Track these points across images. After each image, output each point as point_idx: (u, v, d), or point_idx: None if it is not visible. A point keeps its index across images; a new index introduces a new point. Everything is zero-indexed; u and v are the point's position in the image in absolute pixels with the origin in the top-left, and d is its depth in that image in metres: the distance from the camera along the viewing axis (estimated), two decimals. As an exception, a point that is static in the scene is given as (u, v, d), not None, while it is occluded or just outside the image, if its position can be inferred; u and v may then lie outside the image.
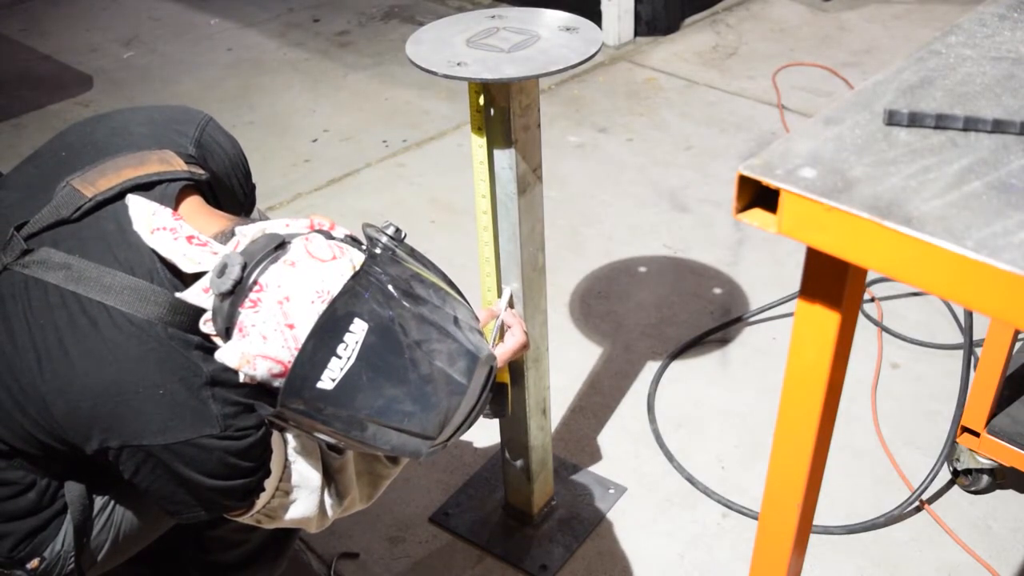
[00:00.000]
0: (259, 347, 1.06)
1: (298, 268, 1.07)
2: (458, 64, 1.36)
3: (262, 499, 1.26)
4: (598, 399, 2.23)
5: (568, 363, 2.33)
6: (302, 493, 1.33)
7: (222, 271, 1.07)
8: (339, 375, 1.05)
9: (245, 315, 1.06)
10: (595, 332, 2.44)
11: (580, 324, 2.47)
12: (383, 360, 1.08)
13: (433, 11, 4.41)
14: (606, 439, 2.12)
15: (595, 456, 2.08)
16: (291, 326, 1.05)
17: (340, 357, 1.05)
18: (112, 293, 1.13)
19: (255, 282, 1.06)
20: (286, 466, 1.31)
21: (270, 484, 1.26)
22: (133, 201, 1.15)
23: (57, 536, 1.29)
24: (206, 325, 1.12)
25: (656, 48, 4.06)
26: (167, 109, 1.37)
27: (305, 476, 1.33)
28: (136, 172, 1.20)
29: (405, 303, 1.10)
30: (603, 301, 2.56)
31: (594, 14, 4.03)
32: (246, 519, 1.29)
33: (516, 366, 1.69)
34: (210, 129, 1.35)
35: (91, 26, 4.53)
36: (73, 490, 1.30)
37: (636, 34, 4.14)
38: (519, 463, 1.83)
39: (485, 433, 2.11)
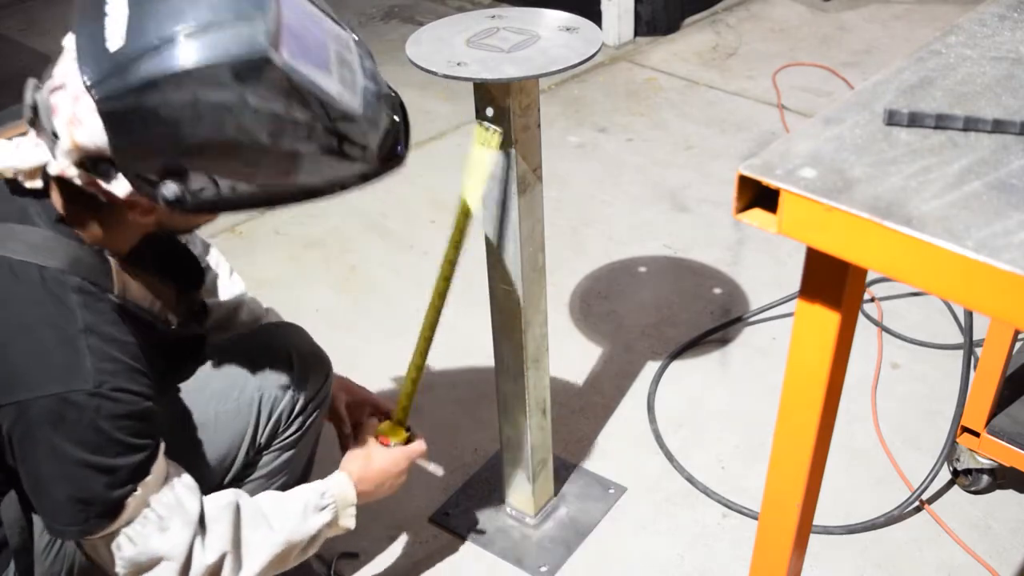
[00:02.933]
0: (68, 96, 1.03)
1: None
2: (458, 64, 1.36)
3: (131, 507, 1.17)
4: (598, 399, 2.23)
5: (568, 363, 2.33)
6: (176, 522, 1.22)
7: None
8: (123, 27, 0.99)
9: (51, 98, 1.05)
10: (595, 332, 2.44)
11: (580, 324, 2.47)
12: None
13: (433, 11, 4.41)
14: (606, 439, 2.12)
15: (595, 456, 2.08)
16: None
17: (109, 13, 1.00)
18: None
19: (49, 76, 1.06)
20: (166, 483, 1.22)
21: (144, 494, 1.18)
22: None
23: (8, 568, 1.25)
24: (54, 167, 1.09)
25: (656, 48, 4.06)
26: None
27: (184, 503, 1.23)
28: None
29: None
30: (603, 301, 2.56)
31: (594, 14, 4.03)
32: (111, 543, 1.19)
33: (513, 368, 1.69)
34: None
35: (91, 26, 4.53)
36: (9, 511, 1.24)
37: (636, 34, 4.14)
38: (519, 463, 1.83)
39: (485, 434, 2.11)
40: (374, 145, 1.14)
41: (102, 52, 0.99)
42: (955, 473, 1.93)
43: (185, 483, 1.25)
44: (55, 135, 1.05)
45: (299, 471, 1.59)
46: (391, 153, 1.18)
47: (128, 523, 1.19)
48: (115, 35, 0.99)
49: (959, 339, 2.33)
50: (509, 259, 1.57)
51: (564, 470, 2.03)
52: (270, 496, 1.37)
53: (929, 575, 1.79)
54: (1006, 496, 1.93)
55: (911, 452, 2.04)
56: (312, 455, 1.65)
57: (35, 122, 1.07)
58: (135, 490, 1.17)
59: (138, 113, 1.00)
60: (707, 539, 1.88)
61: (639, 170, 3.15)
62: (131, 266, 1.22)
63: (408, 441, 1.55)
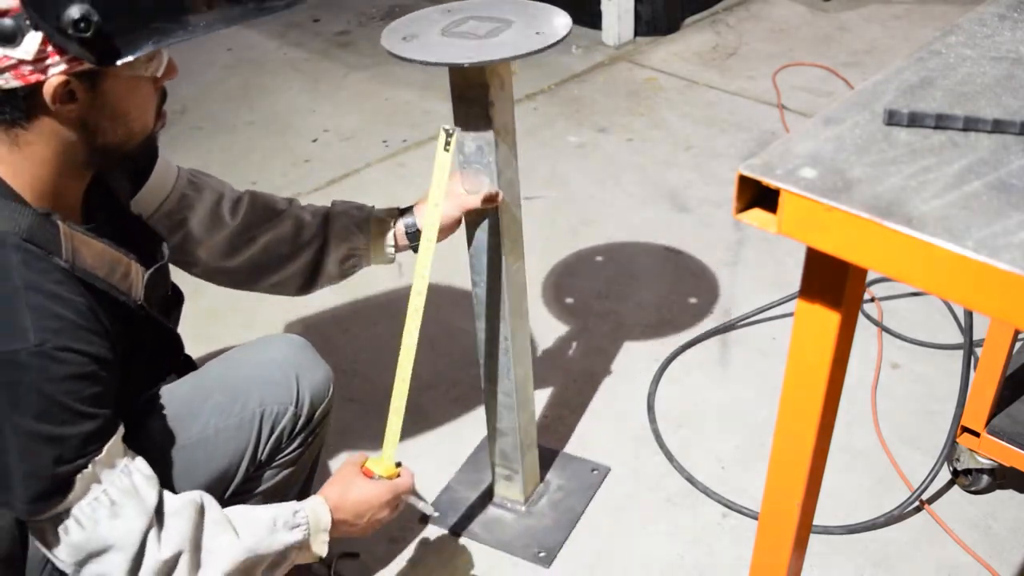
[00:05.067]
0: None
1: None
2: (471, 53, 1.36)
3: (80, 485, 1.11)
4: (598, 399, 2.23)
5: (568, 363, 2.33)
6: (130, 509, 1.15)
7: None
8: None
9: None
10: (595, 332, 2.44)
11: (580, 324, 2.47)
12: None
13: (433, 11, 4.41)
14: (606, 439, 2.12)
15: (594, 456, 2.08)
16: None
17: None
18: None
19: None
20: (122, 468, 1.17)
21: (96, 472, 1.12)
22: None
23: None
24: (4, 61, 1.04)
25: (656, 48, 4.06)
26: None
27: (140, 491, 1.17)
28: None
29: None
30: (603, 301, 2.55)
31: (594, 14, 4.04)
32: (59, 526, 1.13)
33: (496, 355, 1.69)
34: None
35: (91, 26, 4.53)
36: (1, 518, 1.20)
37: (636, 34, 4.14)
38: (508, 455, 1.84)
39: (483, 432, 2.11)
40: None
41: None
42: (955, 473, 1.93)
43: (142, 471, 1.18)
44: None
45: (297, 489, 1.56)
46: None
47: (76, 503, 1.12)
48: None
49: (959, 339, 2.33)
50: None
51: (563, 469, 2.03)
52: (239, 507, 1.31)
53: (929, 575, 1.79)
54: (1006, 496, 1.93)
55: (911, 452, 2.04)
56: (312, 473, 1.62)
57: None
58: (85, 466, 1.10)
59: None
60: (707, 539, 1.88)
61: (639, 170, 3.15)
62: (85, 234, 1.17)
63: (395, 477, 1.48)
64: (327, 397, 1.51)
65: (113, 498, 1.14)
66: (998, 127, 0.78)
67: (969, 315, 1.81)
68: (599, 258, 2.73)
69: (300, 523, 1.33)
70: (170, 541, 1.18)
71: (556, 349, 2.37)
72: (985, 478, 1.90)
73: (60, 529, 1.13)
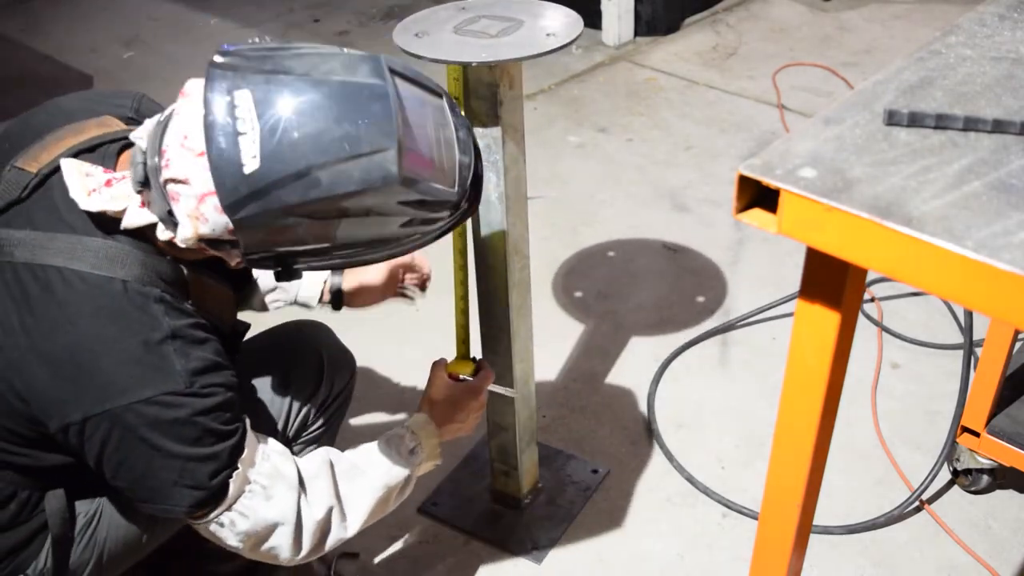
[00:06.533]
0: (191, 193, 1.05)
1: (181, 111, 1.08)
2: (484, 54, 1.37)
3: (235, 485, 1.22)
4: (598, 399, 2.23)
5: (568, 363, 2.33)
6: (279, 488, 1.27)
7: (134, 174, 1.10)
8: (257, 148, 1.01)
9: (169, 186, 1.07)
10: (595, 332, 2.44)
11: (580, 324, 2.47)
12: (284, 106, 1.03)
13: (433, 11, 4.41)
14: (606, 439, 2.12)
15: (594, 456, 2.08)
16: (200, 154, 1.04)
17: (245, 133, 1.01)
18: (62, 255, 1.12)
19: (159, 153, 1.07)
20: (260, 455, 1.27)
21: (244, 470, 1.23)
22: (66, 165, 1.14)
23: (40, 553, 1.28)
24: (164, 233, 1.12)
25: (656, 48, 4.06)
26: (99, 91, 1.37)
27: (281, 470, 1.28)
28: (77, 139, 1.20)
29: (271, 52, 1.07)
30: (603, 301, 2.55)
31: (594, 14, 4.04)
32: (223, 519, 1.24)
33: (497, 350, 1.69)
34: (146, 100, 1.35)
35: (91, 26, 4.53)
36: (53, 501, 1.28)
37: (636, 34, 4.14)
38: (507, 450, 1.85)
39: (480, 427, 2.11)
40: (457, 202, 1.20)
41: (238, 173, 1.02)
42: (955, 473, 1.93)
43: (276, 450, 1.29)
44: (172, 214, 1.10)
45: None
46: (469, 204, 1.23)
47: (236, 500, 1.23)
48: (250, 156, 1.02)
49: (959, 339, 2.33)
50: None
51: (562, 466, 2.03)
52: (356, 450, 1.42)
53: (929, 575, 1.79)
54: (1006, 496, 1.93)
55: (911, 452, 2.04)
56: None
57: (143, 192, 1.11)
58: (236, 468, 1.21)
59: (272, 229, 1.07)
60: (707, 539, 1.88)
61: (639, 170, 3.15)
62: (200, 275, 1.25)
63: (476, 371, 1.58)
64: (350, 377, 1.60)
65: (263, 484, 1.25)
66: (998, 127, 0.78)
67: (969, 315, 1.81)
68: (599, 258, 2.73)
69: (413, 445, 1.44)
70: (319, 501, 1.30)
71: (556, 349, 2.37)
72: (985, 478, 1.90)
73: (227, 524, 1.24)
